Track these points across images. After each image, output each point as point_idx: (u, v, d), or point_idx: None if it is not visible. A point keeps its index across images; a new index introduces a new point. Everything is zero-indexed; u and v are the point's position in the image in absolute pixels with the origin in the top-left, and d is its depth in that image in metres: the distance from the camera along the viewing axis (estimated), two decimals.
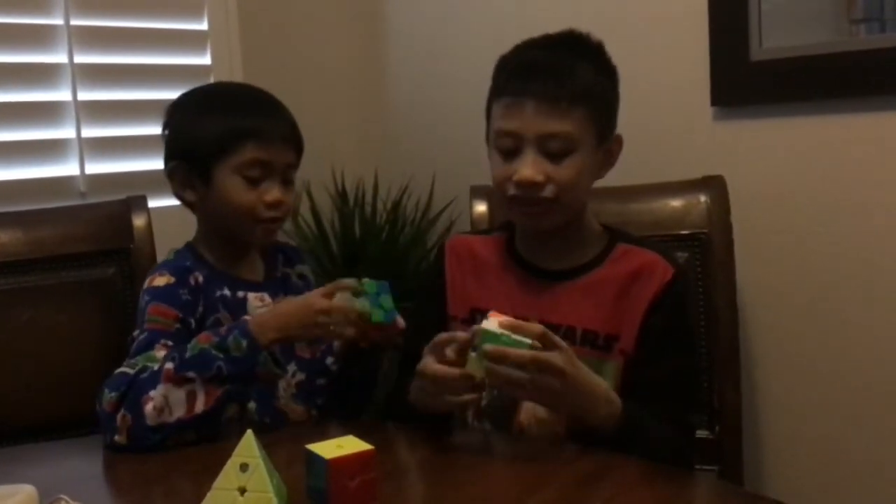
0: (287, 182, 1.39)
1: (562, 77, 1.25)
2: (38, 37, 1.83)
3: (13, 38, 1.79)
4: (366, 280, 1.27)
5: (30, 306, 1.56)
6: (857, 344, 1.67)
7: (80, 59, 1.86)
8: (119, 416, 1.19)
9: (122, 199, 1.70)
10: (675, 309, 1.28)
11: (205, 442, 1.21)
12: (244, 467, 0.94)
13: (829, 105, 1.65)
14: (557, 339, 1.13)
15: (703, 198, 1.61)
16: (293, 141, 1.40)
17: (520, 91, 1.26)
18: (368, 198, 2.19)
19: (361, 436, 1.02)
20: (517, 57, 1.32)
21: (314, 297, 1.27)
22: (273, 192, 1.36)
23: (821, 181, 1.68)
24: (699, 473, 1.15)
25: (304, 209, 2.17)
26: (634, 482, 1.08)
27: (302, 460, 1.01)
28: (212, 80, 2.02)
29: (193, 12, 2.03)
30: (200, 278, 1.35)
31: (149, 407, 1.18)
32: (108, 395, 1.21)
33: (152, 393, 1.19)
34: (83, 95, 1.86)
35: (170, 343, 1.27)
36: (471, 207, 1.74)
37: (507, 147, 1.27)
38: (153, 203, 1.71)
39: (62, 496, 0.84)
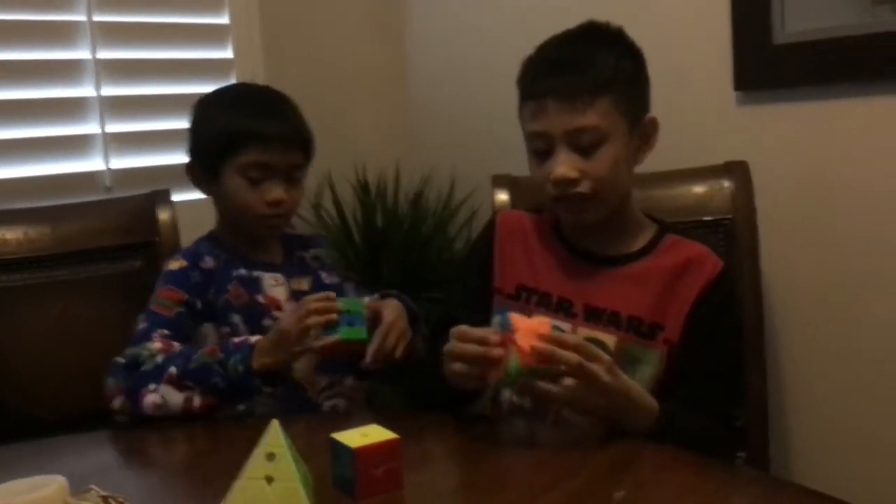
0: (292, 180, 1.46)
1: (580, 70, 1.25)
2: (61, 33, 1.84)
3: (37, 36, 1.81)
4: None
5: (58, 300, 1.59)
6: (883, 330, 1.65)
7: (103, 54, 1.87)
8: (119, 401, 1.31)
9: (146, 193, 1.72)
10: (723, 302, 1.29)
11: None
12: (271, 457, 0.95)
13: (853, 88, 1.63)
14: (597, 351, 1.13)
15: (726, 183, 1.60)
16: (297, 143, 1.45)
17: (541, 91, 1.27)
18: (390, 189, 2.19)
19: (386, 424, 1.02)
20: (538, 57, 1.33)
21: (305, 301, 1.32)
22: (273, 192, 1.42)
23: (846, 165, 1.66)
24: (726, 461, 1.15)
25: (327, 201, 2.18)
26: (663, 469, 1.08)
27: (328, 449, 1.01)
28: (234, 73, 2.04)
29: (214, 6, 2.04)
30: (212, 263, 1.45)
31: (148, 401, 1.29)
32: (108, 382, 1.33)
33: (152, 386, 1.30)
34: (107, 91, 1.88)
35: (167, 332, 1.37)
36: (492, 197, 1.74)
37: (540, 148, 1.29)
38: (177, 196, 1.73)
39: (92, 486, 0.85)
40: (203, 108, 1.49)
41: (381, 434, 1.01)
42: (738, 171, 1.61)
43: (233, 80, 2.02)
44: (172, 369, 1.30)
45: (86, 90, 1.86)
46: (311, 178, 2.14)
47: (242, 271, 1.47)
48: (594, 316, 1.29)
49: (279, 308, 1.46)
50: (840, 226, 1.68)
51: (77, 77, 1.86)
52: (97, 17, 1.86)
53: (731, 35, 1.74)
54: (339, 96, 2.27)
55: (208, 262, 1.45)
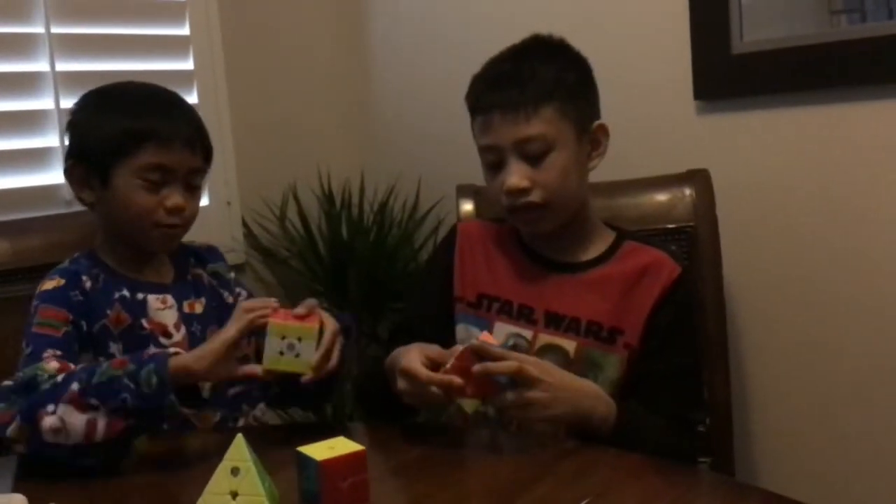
0: (191, 188, 1.34)
1: (521, 83, 1.28)
2: (18, 45, 1.82)
3: None
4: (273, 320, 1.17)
5: (16, 315, 1.55)
6: (844, 333, 1.68)
7: (62, 66, 1.85)
8: (15, 426, 1.14)
9: None
10: (680, 307, 1.31)
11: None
12: (235, 471, 0.94)
13: (811, 96, 1.66)
14: (529, 366, 1.14)
15: (688, 191, 1.62)
16: (198, 145, 1.34)
17: (487, 106, 1.30)
18: (355, 199, 2.19)
19: (352, 436, 1.02)
20: (482, 74, 1.36)
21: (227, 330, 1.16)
22: (174, 198, 1.31)
23: (804, 172, 1.69)
24: (691, 466, 1.16)
25: (291, 212, 2.17)
26: (626, 476, 1.09)
27: (293, 463, 1.01)
28: (195, 85, 2.02)
29: (175, 17, 2.02)
30: (89, 283, 1.31)
31: (45, 423, 1.12)
32: None
33: (50, 408, 1.12)
34: (66, 104, 1.85)
35: (58, 352, 1.22)
36: (458, 207, 1.74)
37: (492, 161, 1.31)
38: None
39: None
40: (92, 104, 1.36)
41: (346, 446, 1.00)
42: (699, 178, 1.63)
43: (194, 92, 2.01)
44: (75, 385, 1.13)
45: (45, 103, 1.84)
46: (276, 189, 2.17)
47: (125, 293, 1.33)
48: (554, 322, 1.31)
49: (166, 334, 1.33)
50: (800, 231, 1.71)
51: (36, 89, 1.83)
52: (55, 30, 1.84)
53: (690, 45, 1.76)
54: (303, 106, 2.26)
55: (86, 283, 1.31)
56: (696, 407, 1.34)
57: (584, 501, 0.97)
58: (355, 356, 1.36)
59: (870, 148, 1.62)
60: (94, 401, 1.12)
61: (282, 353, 1.17)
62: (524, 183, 1.27)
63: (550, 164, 1.28)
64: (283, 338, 1.17)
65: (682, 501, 1.02)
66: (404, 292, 2.07)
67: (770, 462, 1.79)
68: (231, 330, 1.17)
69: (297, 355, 1.17)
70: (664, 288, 1.29)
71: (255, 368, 1.19)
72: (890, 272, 1.62)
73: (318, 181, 2.19)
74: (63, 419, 1.12)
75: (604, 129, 1.35)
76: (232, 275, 1.48)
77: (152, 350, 1.19)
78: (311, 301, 1.22)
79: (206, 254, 1.47)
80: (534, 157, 1.28)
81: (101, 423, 1.12)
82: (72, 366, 1.20)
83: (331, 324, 1.22)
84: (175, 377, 1.13)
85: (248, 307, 1.19)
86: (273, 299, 1.21)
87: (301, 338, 1.17)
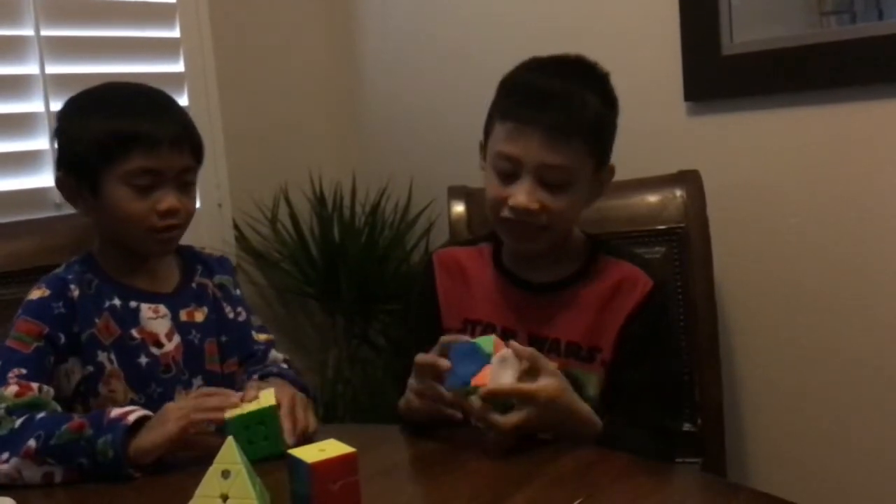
0: (185, 185, 1.32)
1: (569, 108, 1.24)
2: (8, 48, 1.81)
3: None
4: (229, 415, 1.16)
5: (6, 319, 1.55)
6: (834, 334, 1.68)
7: (52, 69, 1.84)
8: None
9: None
10: (653, 318, 1.30)
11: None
12: (226, 474, 0.94)
13: (801, 97, 1.67)
14: (544, 362, 1.16)
15: (678, 192, 1.62)
16: (186, 144, 1.31)
17: (528, 118, 1.24)
18: (347, 201, 2.19)
19: (344, 438, 1.02)
20: (526, 80, 1.30)
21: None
22: (167, 200, 1.28)
23: (795, 172, 1.70)
24: (681, 466, 1.16)
25: (283, 214, 2.17)
26: (616, 476, 1.09)
27: (284, 465, 1.01)
28: (186, 88, 2.02)
29: (165, 20, 2.02)
30: (77, 292, 1.30)
31: (0, 468, 1.14)
32: None
33: (4, 456, 1.14)
34: (56, 106, 1.83)
35: (23, 371, 1.22)
36: (449, 208, 1.74)
37: (506, 170, 1.27)
38: None
39: None
40: (74, 111, 1.34)
41: (338, 448, 1.00)
42: (690, 179, 1.63)
43: (185, 95, 2.01)
44: (31, 443, 1.14)
45: (34, 105, 1.83)
46: (267, 191, 2.17)
47: (116, 302, 1.31)
48: (537, 345, 1.29)
49: (157, 344, 1.32)
50: (791, 232, 1.71)
51: (26, 92, 1.83)
52: (45, 32, 1.84)
53: (680, 46, 1.76)
54: (294, 108, 2.26)
55: (73, 292, 1.29)
56: (673, 415, 1.34)
57: (577, 502, 0.97)
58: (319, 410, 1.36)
59: (861, 148, 1.63)
60: (50, 460, 1.14)
61: (251, 443, 1.14)
62: (534, 206, 1.24)
63: (564, 195, 1.25)
64: (247, 428, 1.15)
65: (671, 500, 1.02)
66: (403, 331, 2.03)
67: (761, 462, 1.80)
68: (172, 428, 1.15)
69: (266, 438, 1.16)
70: (637, 303, 1.28)
71: None
72: (881, 272, 1.63)
73: (309, 183, 2.19)
74: (19, 471, 1.14)
75: (612, 172, 1.34)
76: (238, 291, 1.46)
77: (113, 413, 1.17)
78: (254, 382, 1.27)
79: (216, 265, 1.45)
80: (550, 184, 1.24)
81: (58, 474, 1.15)
82: (34, 386, 1.22)
83: (285, 393, 1.23)
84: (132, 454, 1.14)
85: (197, 406, 1.18)
86: (231, 392, 1.21)
87: (262, 421, 1.16)
